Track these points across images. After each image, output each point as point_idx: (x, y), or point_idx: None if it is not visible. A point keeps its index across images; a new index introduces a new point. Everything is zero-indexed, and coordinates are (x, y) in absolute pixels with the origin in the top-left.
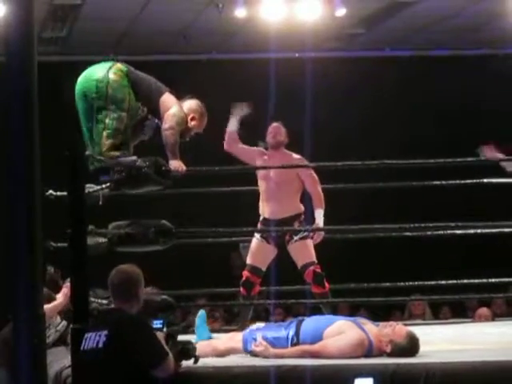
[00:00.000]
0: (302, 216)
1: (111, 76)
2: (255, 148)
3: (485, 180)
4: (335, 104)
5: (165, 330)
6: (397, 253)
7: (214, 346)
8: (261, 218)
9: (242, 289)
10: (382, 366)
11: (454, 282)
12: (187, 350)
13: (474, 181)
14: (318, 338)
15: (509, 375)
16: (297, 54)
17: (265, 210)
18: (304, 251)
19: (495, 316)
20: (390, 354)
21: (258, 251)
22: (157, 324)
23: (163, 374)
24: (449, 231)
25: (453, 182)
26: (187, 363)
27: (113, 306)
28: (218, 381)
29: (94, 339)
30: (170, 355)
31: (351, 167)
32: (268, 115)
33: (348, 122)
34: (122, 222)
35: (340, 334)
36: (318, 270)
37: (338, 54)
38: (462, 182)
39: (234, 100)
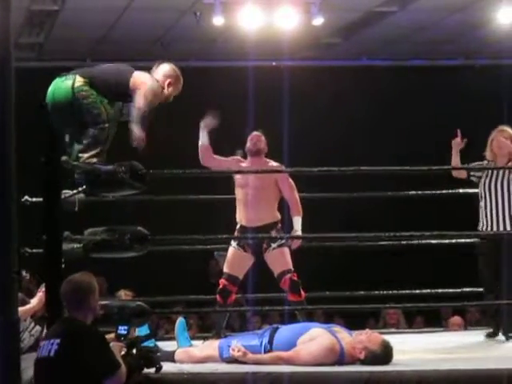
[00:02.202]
0: (279, 224)
1: (78, 95)
2: (232, 158)
3: (460, 190)
4: (312, 113)
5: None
6: (373, 261)
7: (191, 353)
8: (237, 226)
9: (218, 297)
10: (357, 373)
11: (429, 291)
12: (150, 358)
13: (450, 191)
14: (292, 345)
15: (480, 383)
16: (274, 63)
17: (242, 217)
18: (281, 259)
19: (469, 324)
20: (364, 361)
21: (234, 259)
22: (121, 330)
23: None
24: (424, 241)
25: (428, 192)
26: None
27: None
28: None
29: (46, 347)
30: (123, 367)
31: (327, 173)
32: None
33: (324, 131)
34: (98, 228)
35: (312, 340)
36: (295, 278)
37: (315, 63)
38: (438, 192)
39: (210, 107)
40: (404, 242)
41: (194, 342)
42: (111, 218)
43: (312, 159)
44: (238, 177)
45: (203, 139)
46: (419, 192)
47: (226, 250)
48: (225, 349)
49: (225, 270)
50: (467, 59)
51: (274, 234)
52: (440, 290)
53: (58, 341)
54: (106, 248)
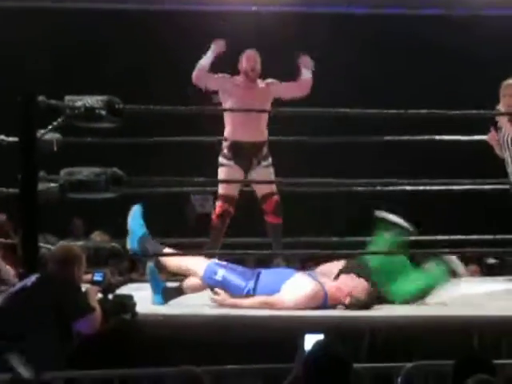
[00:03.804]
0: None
1: None
2: (222, 76)
3: (436, 137)
4: (290, 60)
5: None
6: (350, 207)
7: (179, 262)
8: (227, 144)
9: (216, 220)
10: (329, 318)
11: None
12: (124, 305)
13: (426, 137)
14: (275, 291)
15: (451, 328)
16: (253, 8)
17: (237, 133)
18: (268, 179)
19: None
20: (347, 307)
21: (230, 178)
22: (97, 277)
23: (86, 328)
24: (399, 187)
25: (405, 137)
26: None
27: None
28: (168, 329)
29: (23, 282)
30: (97, 312)
31: (303, 114)
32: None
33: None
34: (74, 168)
35: (295, 286)
36: (279, 201)
37: (295, 9)
38: (413, 137)
39: (190, 51)
40: (379, 188)
41: (169, 284)
42: (88, 159)
43: (290, 105)
44: (234, 95)
45: (207, 60)
46: (395, 137)
47: (202, 193)
48: (210, 273)
49: (220, 191)
50: (447, 9)
51: (265, 151)
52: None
53: (36, 275)
54: (81, 188)
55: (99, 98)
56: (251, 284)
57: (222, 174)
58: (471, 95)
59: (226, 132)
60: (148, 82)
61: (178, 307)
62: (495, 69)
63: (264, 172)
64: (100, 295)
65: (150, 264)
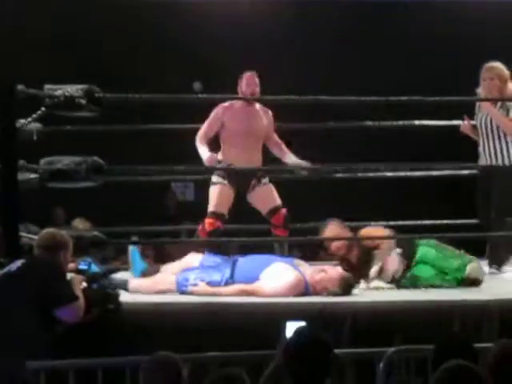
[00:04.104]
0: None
1: None
2: (222, 115)
3: (416, 122)
4: (276, 48)
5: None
6: (329, 193)
7: (148, 285)
8: (222, 165)
9: (205, 237)
10: (311, 305)
11: (386, 222)
12: (108, 295)
13: (406, 122)
14: (254, 279)
15: (432, 313)
16: None
17: (234, 158)
18: (271, 194)
19: None
20: (328, 294)
21: (223, 196)
22: (82, 265)
23: (69, 316)
24: (379, 173)
25: (385, 122)
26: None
27: None
28: (148, 318)
29: (8, 267)
30: (80, 301)
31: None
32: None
33: (288, 69)
34: (54, 157)
35: (276, 275)
36: (286, 214)
37: None
38: (394, 123)
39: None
40: (360, 174)
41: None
42: (68, 148)
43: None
44: (232, 123)
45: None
46: (377, 123)
47: (183, 180)
48: (183, 283)
49: (212, 208)
50: None
51: (259, 174)
52: (392, 223)
53: (22, 261)
54: (62, 178)
55: (79, 86)
56: (227, 273)
57: (214, 192)
58: (452, 81)
59: (222, 154)
60: (140, 71)
61: (161, 295)
62: (478, 54)
63: (264, 189)
64: (84, 284)
65: (133, 247)
